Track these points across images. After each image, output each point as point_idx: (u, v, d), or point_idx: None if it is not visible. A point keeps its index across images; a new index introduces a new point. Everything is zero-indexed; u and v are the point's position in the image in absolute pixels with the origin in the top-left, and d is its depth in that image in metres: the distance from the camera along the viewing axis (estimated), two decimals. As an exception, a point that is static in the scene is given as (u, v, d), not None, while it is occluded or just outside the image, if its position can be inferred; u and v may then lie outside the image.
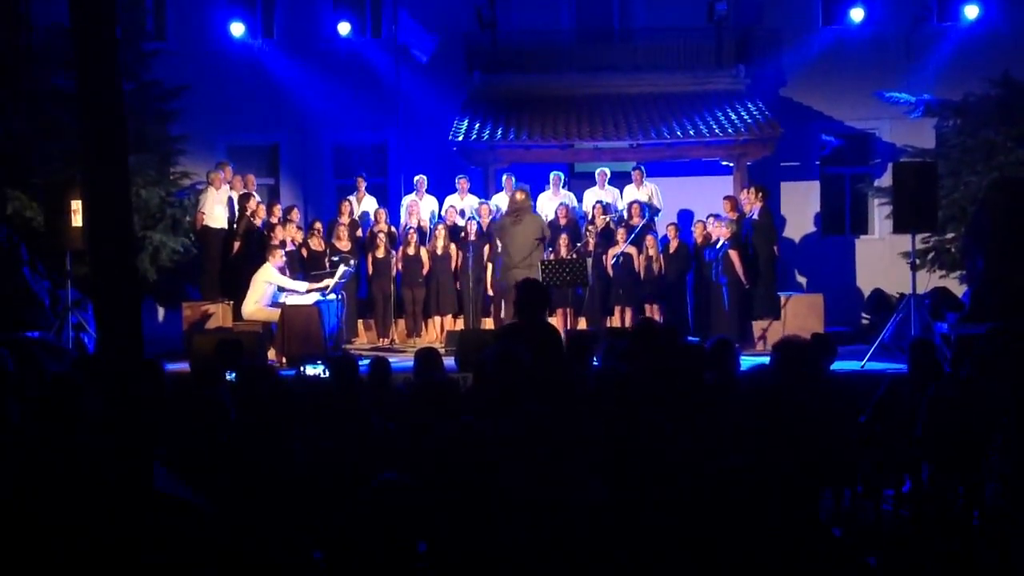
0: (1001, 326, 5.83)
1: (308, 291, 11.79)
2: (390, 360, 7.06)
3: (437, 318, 13.59)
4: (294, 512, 4.00)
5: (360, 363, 6.34)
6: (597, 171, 14.85)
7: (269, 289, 11.63)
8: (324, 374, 8.98)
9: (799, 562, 3.37)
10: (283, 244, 12.41)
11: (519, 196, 12.25)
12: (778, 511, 3.33)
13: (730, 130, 15.08)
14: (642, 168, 14.75)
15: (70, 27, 3.11)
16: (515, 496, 3.84)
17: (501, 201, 13.80)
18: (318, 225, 13.52)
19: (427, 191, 14.61)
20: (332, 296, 11.81)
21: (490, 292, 13.39)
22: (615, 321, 13.09)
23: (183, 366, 9.88)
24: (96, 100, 3.05)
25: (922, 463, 6.23)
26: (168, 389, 6.58)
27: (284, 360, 10.98)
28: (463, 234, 13.46)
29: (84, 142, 3.07)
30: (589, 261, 12.57)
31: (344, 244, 13.19)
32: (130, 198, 3.32)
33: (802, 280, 16.98)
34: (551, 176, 14.66)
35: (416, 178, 14.66)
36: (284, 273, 12.00)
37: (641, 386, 5.09)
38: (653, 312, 12.94)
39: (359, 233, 13.80)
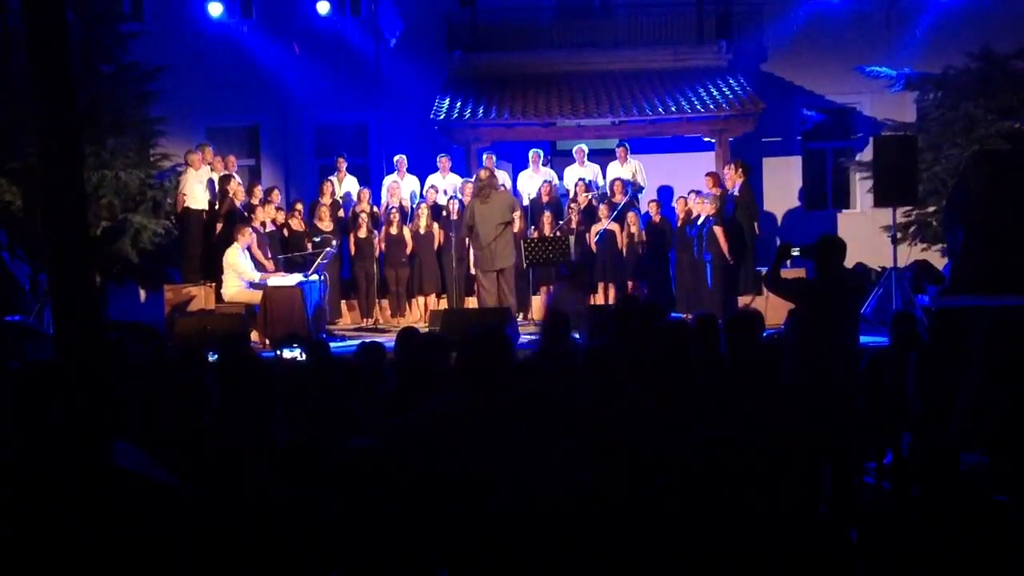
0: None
1: (261, 279, 11.57)
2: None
3: (420, 298, 13.58)
4: (277, 493, 3.99)
5: (339, 344, 6.32)
6: (575, 148, 14.82)
7: (244, 268, 11.54)
8: (301, 357, 8.96)
9: (783, 539, 3.39)
10: (263, 225, 12.36)
11: (483, 175, 12.16)
12: (757, 484, 3.34)
13: (712, 106, 15.05)
14: (627, 145, 14.73)
15: (23, 10, 3.09)
16: (497, 478, 3.84)
17: (483, 180, 13.76)
18: (299, 206, 13.45)
19: (409, 171, 14.58)
20: (315, 277, 11.77)
21: (473, 271, 13.38)
22: (598, 298, 13.11)
23: (165, 349, 9.83)
24: (47, 81, 3.03)
25: (903, 435, 6.27)
26: (148, 368, 6.57)
27: (267, 342, 10.94)
28: (445, 213, 13.43)
29: (39, 124, 3.06)
30: (572, 238, 12.57)
31: (326, 224, 13.14)
32: (83, 179, 3.31)
33: (785, 255, 16.98)
34: (530, 154, 14.66)
35: (396, 158, 14.61)
36: (264, 250, 11.96)
37: (626, 362, 5.12)
38: (636, 289, 12.99)
39: (341, 213, 13.77)
